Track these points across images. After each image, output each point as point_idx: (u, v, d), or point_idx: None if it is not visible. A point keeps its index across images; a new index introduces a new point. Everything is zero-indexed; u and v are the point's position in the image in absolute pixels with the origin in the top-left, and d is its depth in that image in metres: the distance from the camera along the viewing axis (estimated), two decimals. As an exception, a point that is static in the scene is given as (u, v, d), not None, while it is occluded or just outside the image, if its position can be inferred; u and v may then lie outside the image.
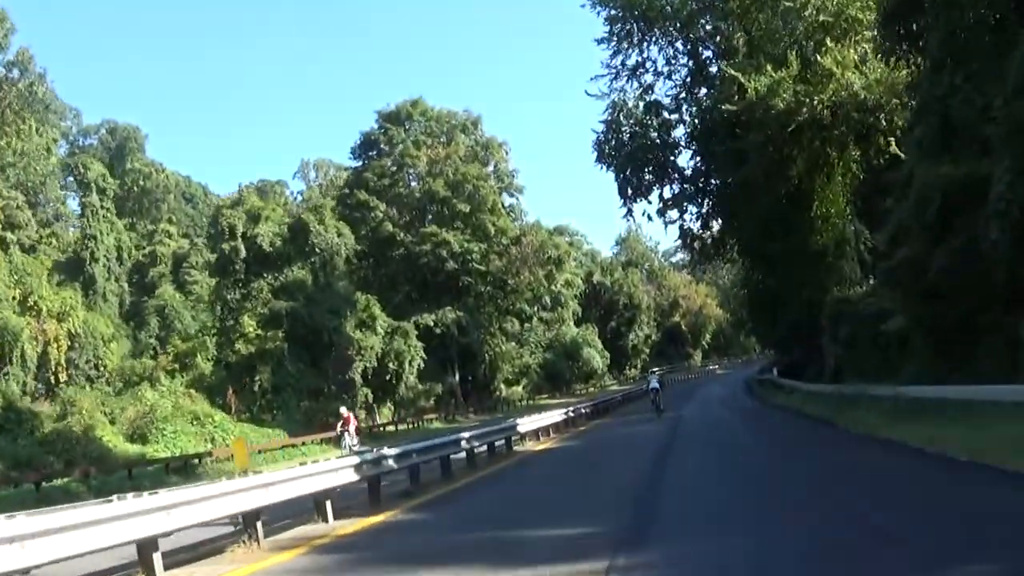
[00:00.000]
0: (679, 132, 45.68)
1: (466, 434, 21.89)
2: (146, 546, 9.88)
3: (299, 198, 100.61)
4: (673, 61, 44.46)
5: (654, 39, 43.44)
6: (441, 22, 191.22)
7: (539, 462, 23.79)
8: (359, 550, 11.66)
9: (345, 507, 15.69)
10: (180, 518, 10.46)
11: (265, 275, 55.71)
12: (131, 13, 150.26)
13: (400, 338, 58.49)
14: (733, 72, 37.00)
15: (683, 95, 44.79)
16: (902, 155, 34.74)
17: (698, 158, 45.20)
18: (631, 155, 44.49)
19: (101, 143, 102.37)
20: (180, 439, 40.69)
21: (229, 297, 56.41)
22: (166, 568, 10.29)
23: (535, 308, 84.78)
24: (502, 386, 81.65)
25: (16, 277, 47.52)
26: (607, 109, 44.79)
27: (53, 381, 46.55)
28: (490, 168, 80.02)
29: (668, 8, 41.74)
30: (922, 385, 21.35)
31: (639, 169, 45.07)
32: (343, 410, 38.37)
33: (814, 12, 36.42)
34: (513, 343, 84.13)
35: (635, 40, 43.09)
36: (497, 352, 78.58)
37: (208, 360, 56.46)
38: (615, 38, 42.81)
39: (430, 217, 73.56)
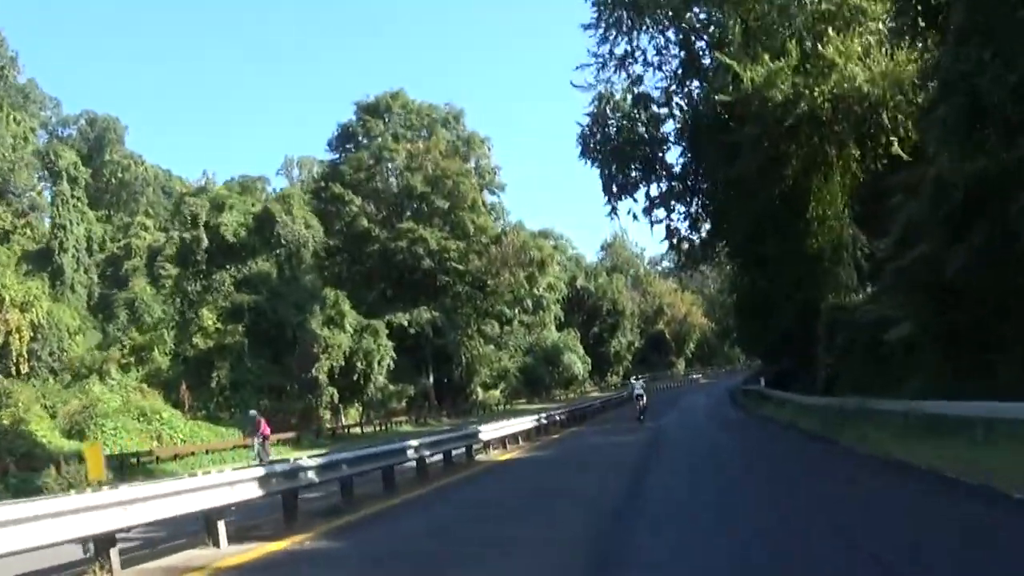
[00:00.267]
0: (668, 127, 42.99)
1: (414, 442, 19.15)
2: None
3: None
4: (664, 51, 41.71)
5: (645, 27, 40.85)
6: (438, 22, 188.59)
7: (499, 475, 21.07)
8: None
9: (251, 526, 13.18)
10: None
11: (228, 267, 52.93)
12: (121, 7, 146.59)
13: (370, 336, 55.72)
14: (728, 61, 34.43)
15: (674, 87, 42.04)
16: (904, 156, 32.71)
17: (688, 155, 42.56)
18: (617, 150, 41.80)
19: (80, 134, 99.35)
20: (121, 436, 38.05)
21: (189, 289, 53.57)
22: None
23: (515, 310, 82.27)
24: (479, 390, 79.04)
25: (-19, 266, 44.93)
26: (593, 101, 42.03)
27: (15, 372, 44.01)
28: (471, 164, 77.38)
29: (660, -7, 39.21)
30: (934, 400, 18.81)
31: (625, 165, 42.37)
32: (253, 413, 34.23)
33: (815, 0, 34.01)
34: (491, 346, 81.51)
35: (624, 28, 40.50)
36: (474, 355, 75.94)
37: (166, 354, 53.57)
38: (603, 24, 40.17)
39: (408, 214, 70.85)
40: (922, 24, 22.51)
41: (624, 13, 39.96)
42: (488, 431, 26.43)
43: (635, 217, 43.22)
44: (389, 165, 72.16)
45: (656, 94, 42.12)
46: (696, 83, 41.45)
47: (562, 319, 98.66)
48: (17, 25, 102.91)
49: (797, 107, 32.83)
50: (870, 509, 11.23)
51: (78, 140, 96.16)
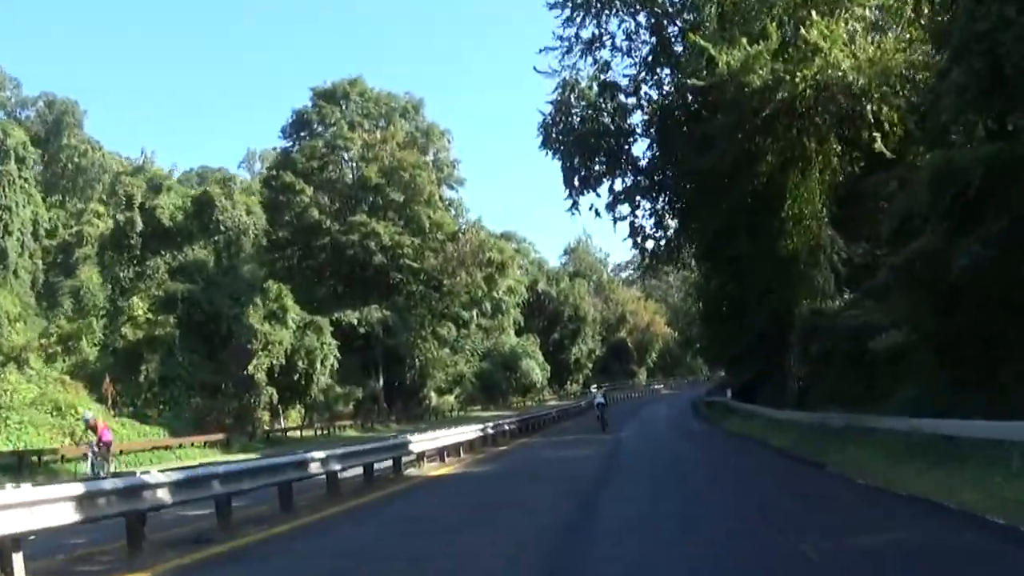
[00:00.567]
0: (636, 118, 40.26)
1: (319, 453, 16.04)
2: None
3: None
4: (634, 36, 38.83)
5: (614, 10, 38.08)
6: (408, 21, 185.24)
7: (426, 495, 17.98)
8: None
9: (82, 557, 10.15)
10: None
11: (163, 252, 49.44)
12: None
13: (313, 334, 52.35)
14: (703, 43, 31.60)
15: (643, 76, 39.31)
16: (888, 153, 30.29)
17: (655, 148, 39.81)
18: (580, 140, 38.87)
19: (39, 116, 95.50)
20: (27, 431, 34.51)
21: (122, 275, 50.05)
22: None
23: (473, 313, 79.27)
24: (432, 394, 75.73)
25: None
26: (557, 88, 39.16)
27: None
28: (430, 157, 74.17)
29: (630, -26, 36.45)
30: (927, 417, 16.06)
31: (588, 157, 39.46)
32: (89, 415, 30.38)
33: (798, -19, 31.38)
34: (447, 349, 78.19)
35: (593, 10, 37.72)
36: (428, 358, 72.55)
37: (95, 345, 49.94)
38: (570, 4, 37.33)
39: (365, 207, 67.54)
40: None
41: (592, -7, 37.24)
42: (421, 441, 23.31)
43: (597, 213, 40.29)
44: (345, 155, 68.88)
45: (624, 82, 39.38)
46: (667, 71, 38.77)
47: (522, 324, 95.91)
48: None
49: (776, 94, 30.16)
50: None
51: (36, 122, 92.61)
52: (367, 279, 65.80)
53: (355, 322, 62.16)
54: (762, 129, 32.28)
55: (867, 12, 30.95)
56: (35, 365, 44.65)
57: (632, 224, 40.16)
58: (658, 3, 37.73)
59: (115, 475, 16.25)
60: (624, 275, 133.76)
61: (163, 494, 10.97)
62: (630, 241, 41.04)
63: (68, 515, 9.22)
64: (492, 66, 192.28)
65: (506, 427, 36.70)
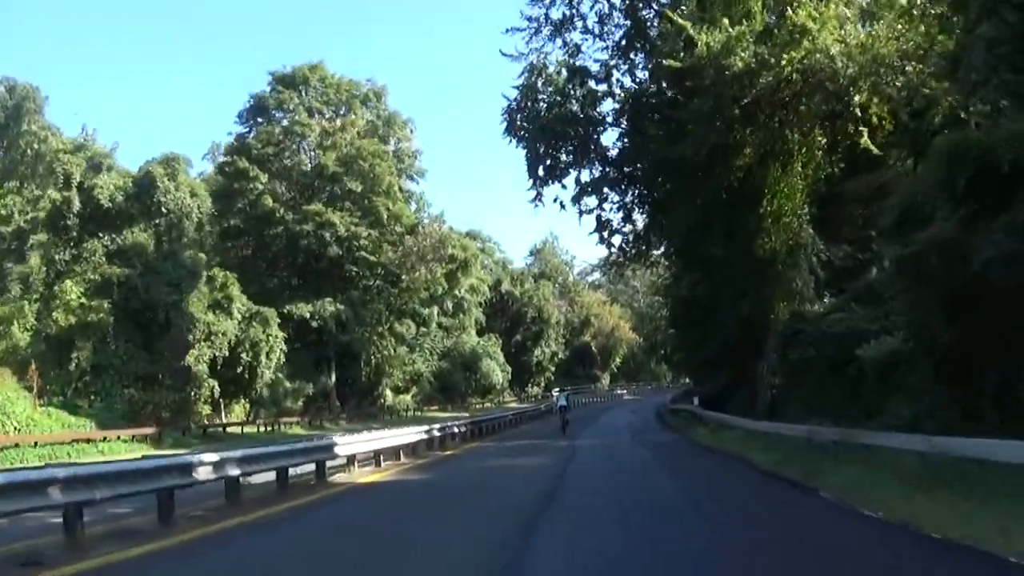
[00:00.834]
0: (607, 106, 37.84)
1: (213, 456, 13.39)
2: None
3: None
4: (607, 19, 36.48)
5: (587, -10, 35.70)
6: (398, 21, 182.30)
7: (344, 508, 15.23)
8: None
9: None
10: None
11: (101, 235, 46.39)
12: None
13: (258, 325, 49.48)
14: (681, 21, 29.25)
15: (616, 61, 36.90)
16: (874, 149, 28.23)
17: (626, 138, 37.39)
18: (547, 127, 36.40)
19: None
20: (-66, 420, 31.70)
21: (58, 258, 46.96)
22: None
23: (433, 311, 76.75)
24: (388, 393, 73.14)
25: None
26: (523, 72, 36.69)
27: None
28: (391, 146, 71.34)
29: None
30: (930, 434, 13.64)
31: (555, 146, 37.05)
32: None
33: (784, -37, 29.13)
34: (405, 347, 75.54)
35: (565, -11, 35.31)
36: (385, 355, 69.92)
37: (27, 330, 46.85)
38: (539, -22, 34.90)
39: (323, 197, 64.63)
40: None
41: (565, -28, 34.81)
42: (351, 444, 20.67)
43: (562, 205, 37.89)
44: (303, 143, 65.97)
45: (595, 68, 36.92)
46: (641, 57, 36.38)
47: (483, 324, 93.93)
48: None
49: (759, 79, 27.89)
50: None
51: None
52: (321, 271, 63.11)
53: (307, 315, 59.43)
54: (742, 118, 30.13)
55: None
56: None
57: (599, 218, 37.76)
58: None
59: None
60: (590, 279, 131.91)
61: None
62: (596, 236, 38.67)
63: None
64: (463, 69, 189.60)
65: (455, 430, 34.13)
